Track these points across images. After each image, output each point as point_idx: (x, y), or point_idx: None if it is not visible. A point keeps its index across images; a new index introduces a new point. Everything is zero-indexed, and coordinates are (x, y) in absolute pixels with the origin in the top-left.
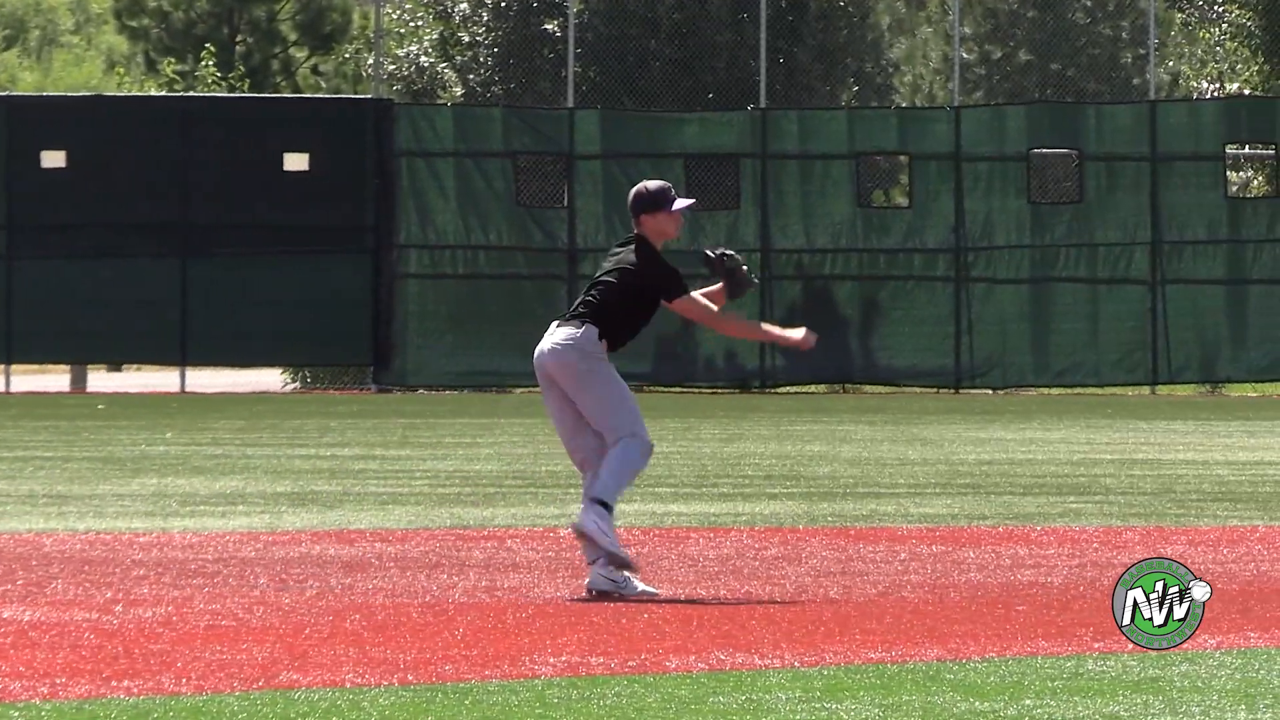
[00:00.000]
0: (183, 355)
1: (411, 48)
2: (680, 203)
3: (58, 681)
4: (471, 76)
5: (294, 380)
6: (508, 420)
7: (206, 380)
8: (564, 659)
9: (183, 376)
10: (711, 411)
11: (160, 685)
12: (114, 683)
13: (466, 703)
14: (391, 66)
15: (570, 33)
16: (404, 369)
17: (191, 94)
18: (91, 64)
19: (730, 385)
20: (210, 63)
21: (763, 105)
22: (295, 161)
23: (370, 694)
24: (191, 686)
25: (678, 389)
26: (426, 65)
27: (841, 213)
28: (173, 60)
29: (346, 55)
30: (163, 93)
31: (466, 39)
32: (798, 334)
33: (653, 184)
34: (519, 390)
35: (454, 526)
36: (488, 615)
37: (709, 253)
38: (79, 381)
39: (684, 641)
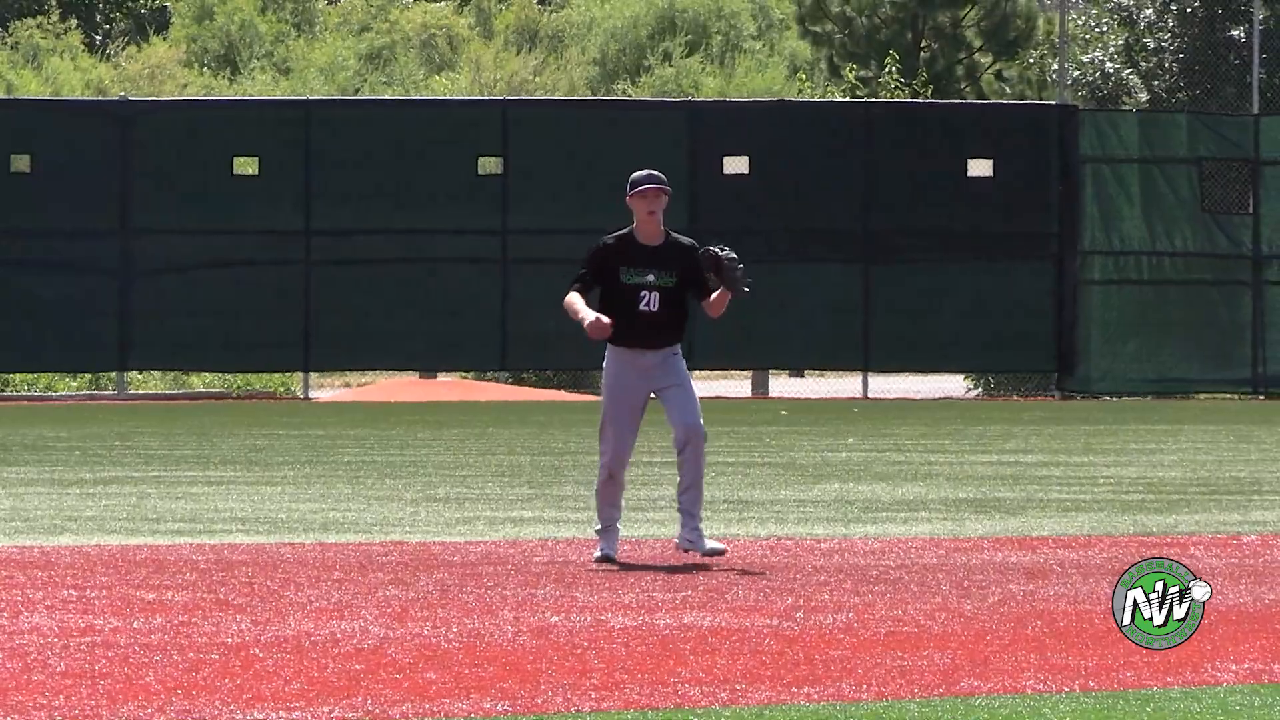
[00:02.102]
0: (865, 361)
1: (1096, 54)
2: (638, 189)
3: (737, 688)
4: (1156, 83)
5: (976, 386)
6: (1193, 426)
7: (888, 386)
8: (1246, 666)
9: (865, 382)
10: None
11: (840, 691)
12: (794, 689)
13: (1148, 709)
14: (1076, 73)
15: (1255, 39)
16: (1088, 375)
17: (875, 100)
18: (774, 69)
19: None
20: (894, 69)
21: None
22: (979, 168)
23: (1050, 700)
24: (871, 693)
25: None
26: (1111, 71)
27: None
28: (855, 66)
29: (1031, 61)
30: (846, 98)
31: (1151, 45)
32: (589, 317)
33: (636, 173)
34: (1204, 396)
35: (1137, 533)
36: None
37: (710, 250)
38: (760, 387)
39: None
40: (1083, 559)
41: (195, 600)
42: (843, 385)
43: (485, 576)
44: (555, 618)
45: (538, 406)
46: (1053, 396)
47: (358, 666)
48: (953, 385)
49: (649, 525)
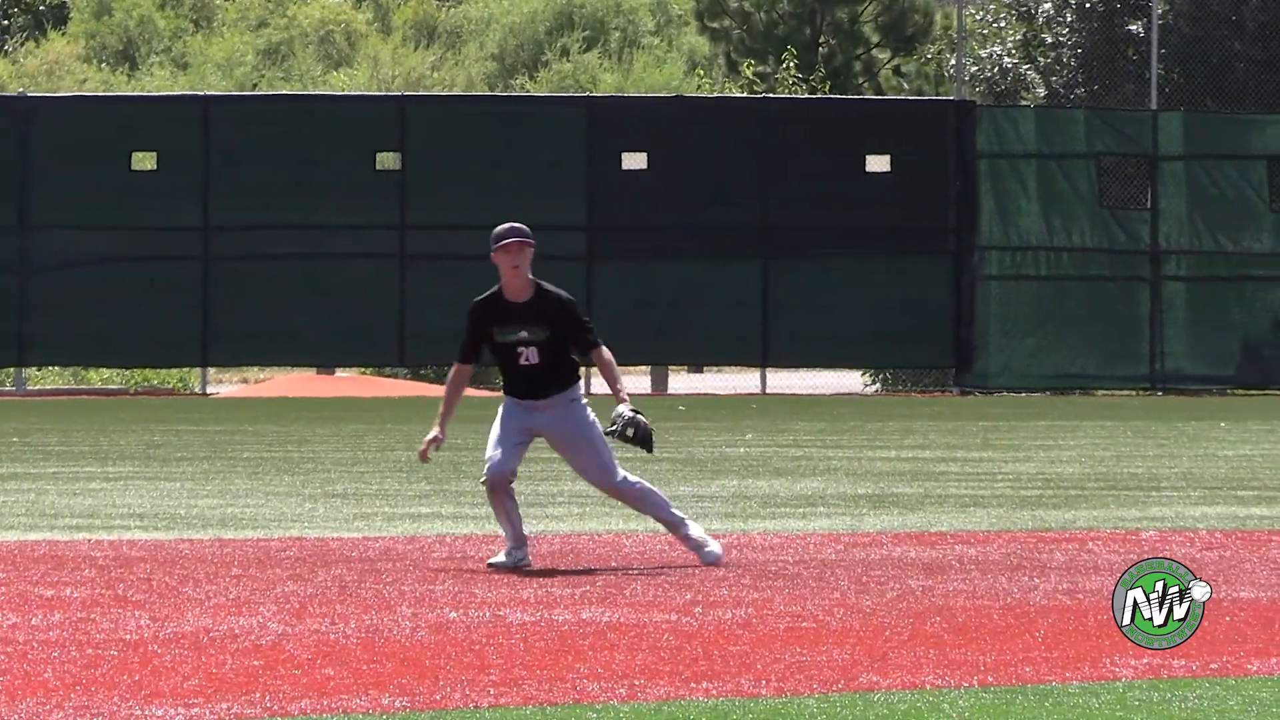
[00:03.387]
0: (764, 357)
1: (994, 49)
2: (501, 244)
3: (636, 683)
4: (1054, 78)
5: (875, 382)
6: (1090, 423)
7: (787, 381)
8: (1145, 661)
9: (763, 378)
10: None
11: (739, 687)
12: (693, 684)
13: (1047, 704)
14: (974, 68)
15: (1154, 34)
16: (986, 371)
17: (772, 95)
18: (673, 65)
19: None
20: (791, 64)
21: None
22: (877, 163)
23: (949, 696)
24: (771, 689)
25: (1259, 392)
26: (1009, 67)
27: None
28: (753, 62)
29: (928, 56)
30: (744, 94)
31: (1050, 40)
32: (429, 434)
33: (498, 227)
34: (1101, 392)
35: (1035, 529)
36: (1068, 617)
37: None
38: (659, 383)
39: (1265, 644)
40: (981, 554)
41: (94, 596)
42: (741, 381)
43: (383, 572)
44: (454, 614)
45: (436, 402)
46: (951, 392)
47: (256, 662)
48: (852, 381)
49: (547, 521)
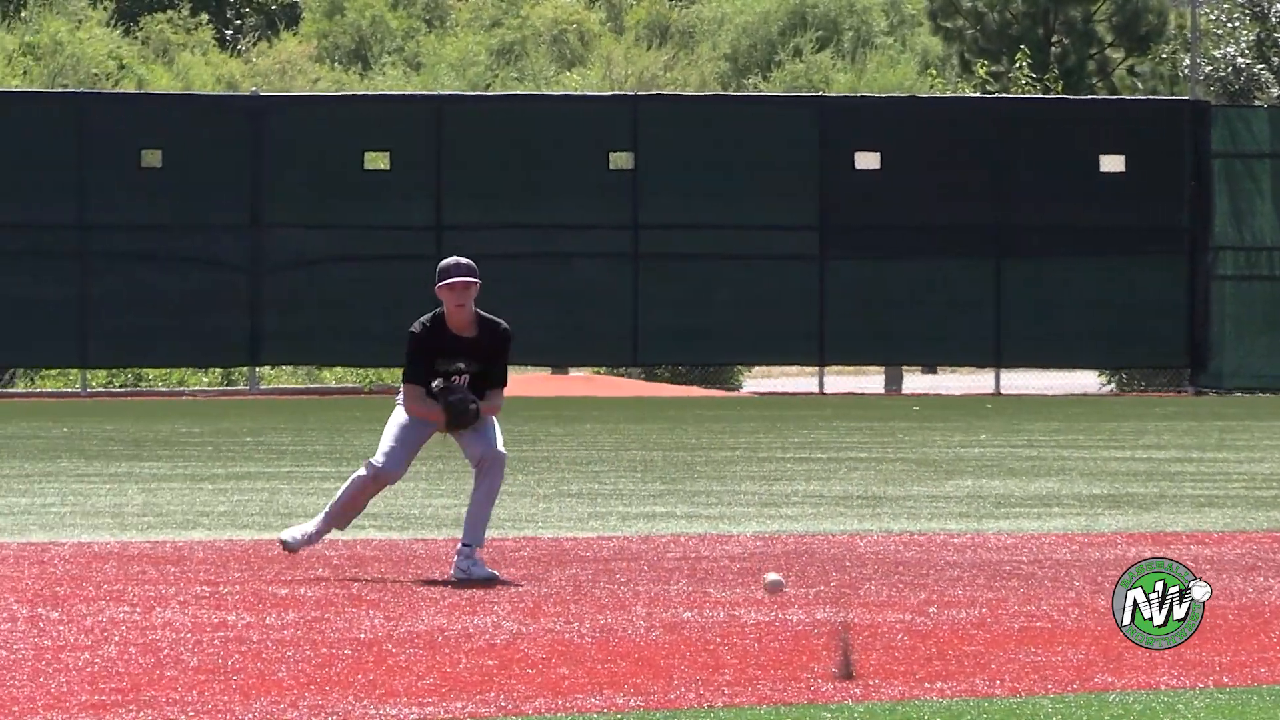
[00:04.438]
0: (997, 357)
1: (1228, 49)
2: (446, 282)
3: (871, 683)
4: None
5: (1110, 382)
6: None
7: (1021, 381)
8: None
9: (997, 378)
10: None
11: (974, 687)
12: (927, 684)
13: None
14: (1208, 68)
15: None
16: (1221, 371)
17: (1006, 95)
18: (905, 65)
19: None
20: (1025, 64)
21: None
22: (1111, 163)
23: (1184, 696)
24: (1005, 689)
25: None
26: (1243, 66)
27: None
28: (986, 62)
29: (1163, 56)
30: (977, 94)
31: None
32: (434, 411)
33: (445, 260)
34: None
35: (1271, 529)
36: None
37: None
38: (894, 383)
39: None
40: (1216, 555)
41: (328, 596)
42: (976, 381)
43: (618, 572)
44: (688, 613)
45: (670, 402)
46: (1186, 392)
47: (491, 662)
48: (1086, 381)
49: (782, 521)
